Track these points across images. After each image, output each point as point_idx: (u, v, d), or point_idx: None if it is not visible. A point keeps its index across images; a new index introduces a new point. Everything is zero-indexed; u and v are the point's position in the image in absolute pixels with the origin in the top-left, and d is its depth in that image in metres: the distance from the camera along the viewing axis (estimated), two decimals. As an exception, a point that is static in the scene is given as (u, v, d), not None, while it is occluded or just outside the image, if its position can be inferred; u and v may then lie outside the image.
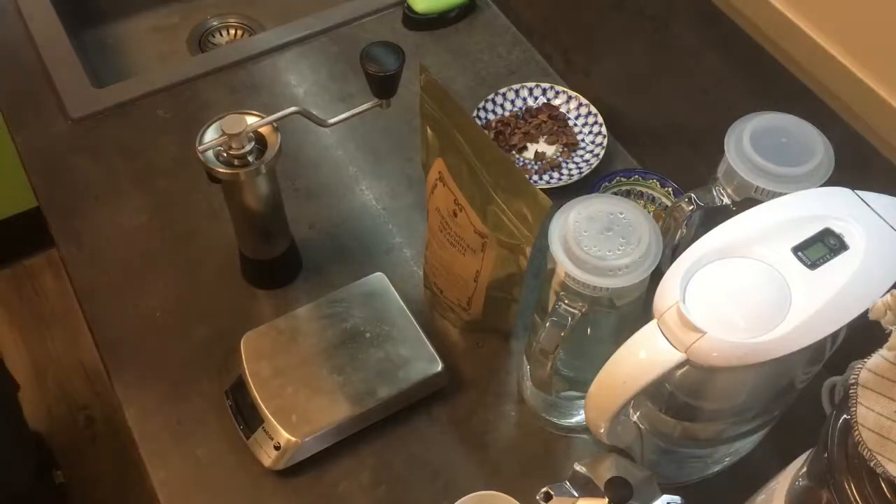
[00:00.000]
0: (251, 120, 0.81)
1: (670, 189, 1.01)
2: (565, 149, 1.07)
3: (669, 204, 1.00)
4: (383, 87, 0.84)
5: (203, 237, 1.01)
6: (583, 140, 1.08)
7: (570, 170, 1.05)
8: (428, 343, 0.86)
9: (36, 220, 1.08)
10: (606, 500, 0.66)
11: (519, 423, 0.87)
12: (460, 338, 0.93)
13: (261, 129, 0.83)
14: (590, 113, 1.09)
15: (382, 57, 0.82)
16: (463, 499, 0.76)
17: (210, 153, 0.82)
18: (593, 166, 1.04)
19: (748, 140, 0.72)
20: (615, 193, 1.02)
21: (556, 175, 1.04)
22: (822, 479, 0.54)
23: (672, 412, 0.72)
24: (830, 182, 0.70)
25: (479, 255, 0.81)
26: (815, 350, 0.61)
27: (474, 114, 1.09)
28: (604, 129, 1.07)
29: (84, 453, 1.82)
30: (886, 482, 0.48)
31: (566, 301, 0.68)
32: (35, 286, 2.05)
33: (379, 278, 0.91)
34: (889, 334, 0.50)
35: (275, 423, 0.80)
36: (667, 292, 0.59)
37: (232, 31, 1.39)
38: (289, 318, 0.89)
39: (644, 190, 1.02)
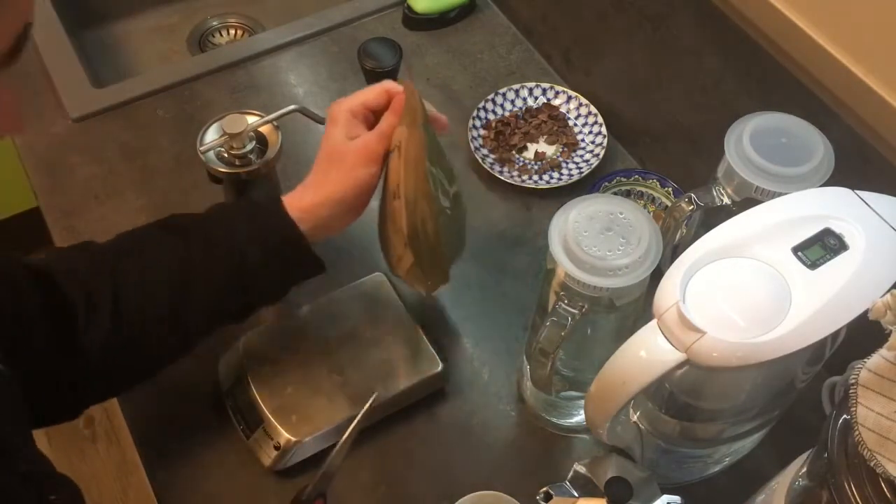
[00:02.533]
0: (251, 119, 0.81)
1: (670, 189, 1.01)
2: (565, 149, 1.07)
3: (669, 204, 1.00)
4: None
5: (203, 237, 1.01)
6: (583, 140, 1.08)
7: (570, 170, 1.05)
8: (428, 343, 0.86)
9: (36, 220, 1.08)
10: (606, 500, 0.66)
11: (519, 423, 0.87)
12: (460, 338, 0.93)
13: (261, 129, 0.83)
14: (590, 113, 1.09)
15: (380, 53, 0.82)
16: (463, 499, 0.76)
17: (211, 153, 0.82)
18: (593, 166, 1.04)
19: (748, 140, 0.72)
20: (615, 193, 1.02)
21: (556, 175, 1.04)
22: (822, 479, 0.54)
23: (672, 412, 0.72)
24: (830, 182, 0.70)
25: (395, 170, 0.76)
26: (815, 350, 0.61)
27: (474, 114, 1.09)
28: (604, 129, 1.07)
29: (84, 453, 1.82)
30: (886, 482, 0.48)
31: (566, 301, 0.68)
32: (35, 286, 2.05)
33: (379, 278, 0.91)
34: (889, 334, 0.50)
35: (275, 423, 0.80)
36: (667, 292, 0.59)
37: (232, 31, 1.39)
38: (289, 318, 0.89)
39: (644, 190, 1.02)
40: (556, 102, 1.11)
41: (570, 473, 0.69)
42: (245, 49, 1.18)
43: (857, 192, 0.62)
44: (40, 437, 1.95)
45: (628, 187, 1.02)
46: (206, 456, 0.84)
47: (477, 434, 0.86)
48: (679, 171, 1.01)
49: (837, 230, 0.60)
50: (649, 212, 1.00)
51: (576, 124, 1.09)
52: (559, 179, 1.03)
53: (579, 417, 0.84)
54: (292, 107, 0.82)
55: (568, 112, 1.10)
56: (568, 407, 0.85)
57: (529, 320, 0.87)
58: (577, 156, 1.07)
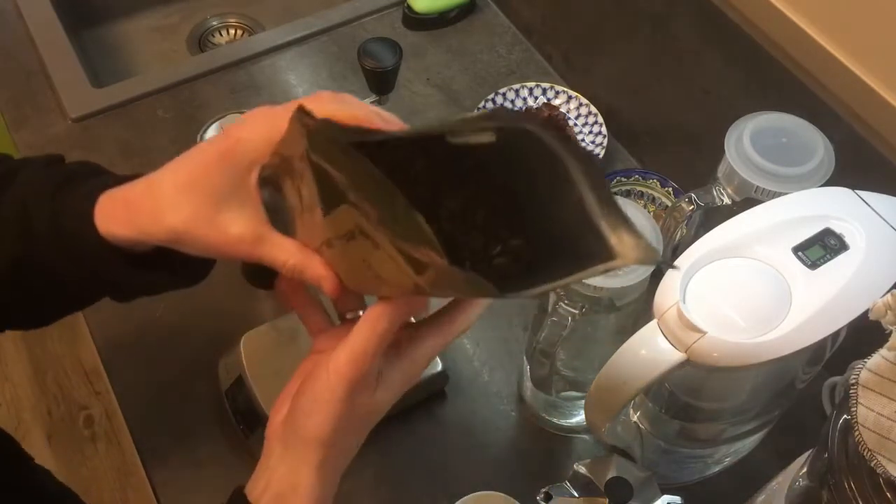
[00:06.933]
0: (251, 120, 0.81)
1: (670, 189, 1.01)
2: (565, 149, 1.07)
3: (669, 204, 1.00)
4: (380, 82, 0.84)
5: (203, 237, 1.00)
6: (583, 140, 1.08)
7: (570, 170, 1.05)
8: (428, 343, 0.86)
9: (36, 220, 1.08)
10: (606, 500, 0.66)
11: (519, 423, 0.87)
12: (460, 338, 0.92)
13: (261, 129, 0.83)
14: (590, 112, 1.09)
15: (379, 53, 0.82)
16: (463, 499, 0.76)
17: (210, 153, 0.82)
18: (593, 166, 1.03)
19: (748, 140, 0.72)
20: (615, 193, 1.01)
21: (556, 175, 1.04)
22: (822, 479, 0.54)
23: (672, 412, 0.72)
24: (830, 182, 0.70)
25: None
26: (815, 350, 0.61)
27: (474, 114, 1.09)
28: (604, 129, 1.07)
29: (84, 453, 1.82)
30: (886, 482, 0.48)
31: (566, 301, 0.68)
32: (35, 286, 2.05)
33: (379, 278, 0.91)
34: (889, 334, 0.50)
35: (275, 423, 0.80)
36: (667, 292, 0.59)
37: (232, 31, 1.39)
38: (289, 318, 0.89)
39: (644, 190, 1.02)
40: (556, 102, 1.11)
41: (571, 474, 0.69)
42: (245, 49, 1.18)
43: (858, 192, 0.62)
44: (39, 438, 1.96)
45: (628, 187, 1.02)
46: (206, 456, 0.84)
47: (477, 434, 0.86)
48: (679, 171, 1.01)
49: (838, 230, 0.60)
50: (649, 212, 1.00)
51: (576, 124, 1.09)
52: (559, 179, 1.03)
53: (579, 417, 0.84)
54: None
55: (568, 112, 1.10)
56: (568, 407, 0.85)
57: (529, 320, 0.87)
58: (577, 156, 1.07)
